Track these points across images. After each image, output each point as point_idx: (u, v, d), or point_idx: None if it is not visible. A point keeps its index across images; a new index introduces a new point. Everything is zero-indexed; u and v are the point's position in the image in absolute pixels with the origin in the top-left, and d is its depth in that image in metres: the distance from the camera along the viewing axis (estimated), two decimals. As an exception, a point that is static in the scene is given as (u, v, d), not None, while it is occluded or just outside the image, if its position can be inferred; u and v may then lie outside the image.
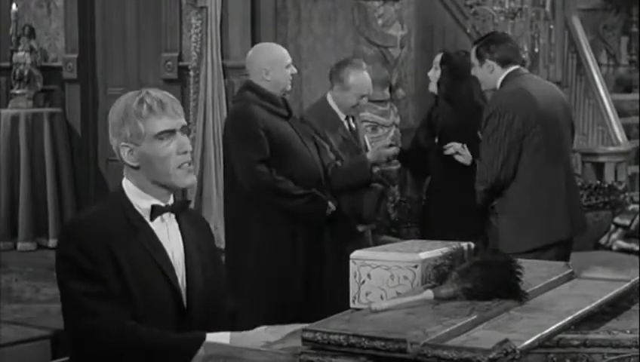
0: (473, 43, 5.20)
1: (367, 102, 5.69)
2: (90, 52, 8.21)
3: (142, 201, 2.85)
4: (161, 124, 2.81)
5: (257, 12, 7.37)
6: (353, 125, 5.55)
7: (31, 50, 8.28)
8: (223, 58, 7.17)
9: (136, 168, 2.84)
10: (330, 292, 4.95)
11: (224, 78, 7.16)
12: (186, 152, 2.83)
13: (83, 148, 8.22)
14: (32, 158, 7.96)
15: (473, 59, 4.97)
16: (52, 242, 7.85)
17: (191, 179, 2.87)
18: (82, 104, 8.22)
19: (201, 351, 2.45)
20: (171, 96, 2.89)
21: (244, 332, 2.77)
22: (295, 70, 5.12)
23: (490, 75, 4.91)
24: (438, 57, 5.55)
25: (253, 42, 7.27)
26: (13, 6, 8.37)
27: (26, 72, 8.25)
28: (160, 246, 2.84)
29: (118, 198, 2.87)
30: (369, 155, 5.42)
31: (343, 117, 5.46)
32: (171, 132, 2.82)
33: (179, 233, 2.90)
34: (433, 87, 5.55)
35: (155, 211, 2.85)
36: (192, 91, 7.18)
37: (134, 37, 7.98)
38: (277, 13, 7.43)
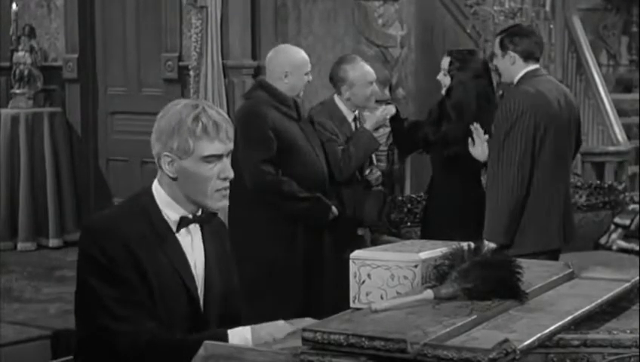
0: (498, 33, 5.17)
1: (377, 89, 5.57)
2: (90, 52, 8.22)
3: (171, 211, 2.82)
4: (212, 148, 2.75)
5: (257, 12, 7.38)
6: (359, 126, 5.55)
7: (31, 50, 8.28)
8: (223, 58, 7.17)
9: (174, 179, 2.80)
10: (331, 293, 4.96)
11: (224, 77, 7.17)
12: (226, 178, 2.79)
13: (83, 148, 8.22)
14: (32, 158, 7.97)
15: (496, 49, 4.95)
16: (52, 242, 7.86)
17: (223, 203, 2.83)
18: (82, 104, 8.23)
19: (202, 351, 2.45)
20: (226, 116, 2.82)
21: (263, 324, 2.77)
22: (311, 78, 5.13)
23: (511, 66, 4.89)
24: (446, 62, 5.46)
25: (253, 42, 7.29)
26: (14, 6, 8.38)
27: (26, 72, 8.25)
28: (183, 257, 2.82)
29: (147, 203, 2.83)
30: (367, 125, 5.39)
31: (350, 117, 5.44)
32: (219, 157, 2.78)
33: (202, 244, 2.88)
34: (442, 91, 5.46)
35: (183, 223, 2.83)
36: (192, 91, 7.18)
37: (134, 37, 7.98)
38: (277, 13, 7.43)
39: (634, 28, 10.64)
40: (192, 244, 2.86)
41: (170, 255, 2.79)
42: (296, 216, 4.95)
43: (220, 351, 2.45)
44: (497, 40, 4.99)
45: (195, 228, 2.86)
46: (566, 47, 9.04)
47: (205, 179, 2.77)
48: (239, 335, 2.74)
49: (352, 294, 2.78)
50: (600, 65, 9.61)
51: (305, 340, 2.33)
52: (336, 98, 5.44)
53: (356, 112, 5.49)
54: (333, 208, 5.06)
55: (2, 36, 8.51)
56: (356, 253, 2.81)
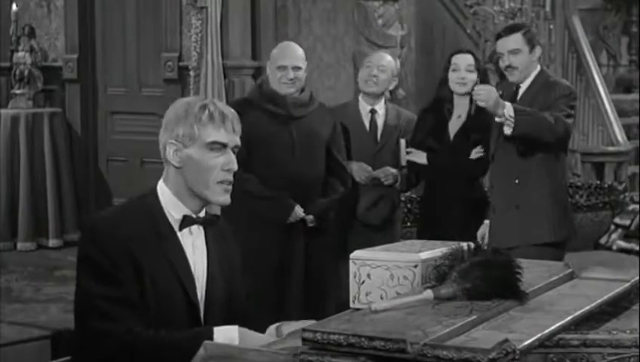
0: (514, 29, 5.00)
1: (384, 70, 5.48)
2: (90, 52, 8.21)
3: (174, 209, 2.80)
4: (217, 134, 2.76)
5: (257, 12, 7.38)
6: (379, 121, 5.44)
7: (31, 50, 8.28)
8: (223, 58, 7.17)
9: (178, 168, 2.78)
10: (322, 292, 4.96)
11: (224, 78, 7.17)
12: (230, 170, 2.79)
13: (83, 148, 8.22)
14: (32, 158, 7.96)
15: (521, 45, 4.83)
16: (52, 242, 7.86)
17: (225, 199, 2.82)
18: (82, 104, 8.23)
19: (202, 351, 2.44)
20: (234, 112, 2.83)
21: (254, 332, 2.75)
22: (292, 74, 5.02)
23: (533, 62, 4.88)
24: (470, 58, 5.31)
25: (253, 42, 7.29)
26: (13, 6, 8.38)
27: (26, 72, 8.25)
28: (183, 257, 2.79)
29: (150, 202, 2.81)
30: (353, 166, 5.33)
31: (365, 110, 5.42)
32: (223, 145, 2.77)
33: (204, 246, 2.85)
34: (465, 89, 5.24)
35: (186, 222, 2.80)
36: (192, 91, 7.18)
37: (134, 37, 7.98)
38: (277, 13, 7.44)
39: (634, 28, 10.65)
40: (194, 245, 2.83)
41: (170, 255, 2.76)
42: (258, 214, 4.92)
43: (220, 350, 2.44)
44: (519, 35, 4.85)
45: (198, 229, 2.84)
46: (566, 47, 9.04)
47: (208, 168, 2.76)
48: (225, 334, 2.71)
49: (351, 294, 2.78)
50: (600, 65, 9.62)
51: (305, 340, 2.33)
52: (360, 96, 5.52)
53: (376, 106, 5.43)
54: (297, 209, 4.97)
55: (2, 36, 8.50)
56: (356, 253, 2.81)
